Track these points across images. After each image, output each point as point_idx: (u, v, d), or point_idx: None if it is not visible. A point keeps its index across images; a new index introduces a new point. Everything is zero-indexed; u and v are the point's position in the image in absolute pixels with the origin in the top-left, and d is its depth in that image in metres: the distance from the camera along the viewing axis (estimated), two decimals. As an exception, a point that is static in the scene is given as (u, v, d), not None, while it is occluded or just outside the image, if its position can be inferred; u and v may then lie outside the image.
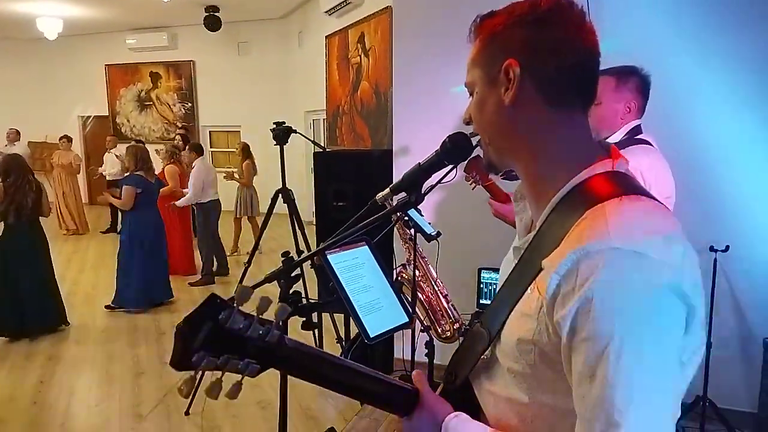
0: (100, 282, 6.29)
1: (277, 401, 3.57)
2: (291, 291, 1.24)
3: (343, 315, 3.83)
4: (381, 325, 1.42)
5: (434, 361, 2.86)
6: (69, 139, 9.15)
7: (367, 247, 1.53)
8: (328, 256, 1.41)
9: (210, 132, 11.50)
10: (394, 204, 1.08)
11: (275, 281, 1.25)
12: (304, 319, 1.53)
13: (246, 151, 7.29)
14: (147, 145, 6.07)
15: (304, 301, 1.67)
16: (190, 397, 3.42)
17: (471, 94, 0.88)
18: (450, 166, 1.02)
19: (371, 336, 1.38)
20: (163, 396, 3.65)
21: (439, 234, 2.31)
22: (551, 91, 0.79)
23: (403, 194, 1.01)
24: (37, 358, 4.27)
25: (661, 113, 2.22)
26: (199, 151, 6.29)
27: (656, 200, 0.77)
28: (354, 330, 3.90)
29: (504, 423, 0.85)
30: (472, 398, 0.93)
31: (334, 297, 1.36)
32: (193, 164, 6.10)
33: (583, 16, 0.79)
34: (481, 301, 3.28)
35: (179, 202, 5.90)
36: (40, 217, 4.67)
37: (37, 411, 3.52)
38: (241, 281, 3.54)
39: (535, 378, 0.78)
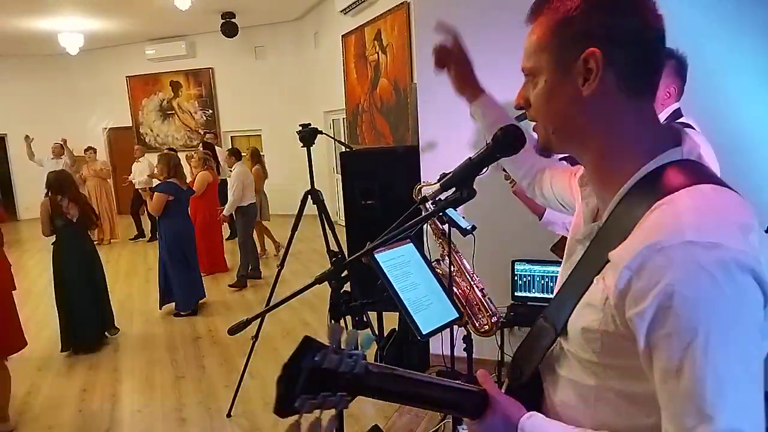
0: (134, 290, 6.42)
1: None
2: (342, 291, 1.25)
3: (376, 312, 3.85)
4: (432, 322, 1.42)
5: (473, 356, 2.85)
6: (93, 150, 9.37)
7: (411, 244, 1.53)
8: (376, 255, 1.41)
9: (231, 137, 11.61)
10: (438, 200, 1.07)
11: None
12: (356, 318, 1.53)
13: (255, 156, 7.34)
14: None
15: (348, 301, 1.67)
16: (232, 398, 3.49)
17: (530, 78, 0.85)
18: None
19: (424, 333, 1.38)
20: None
21: (474, 228, 2.30)
22: (629, 80, 0.77)
23: (453, 190, 1.00)
24: (79, 367, 4.37)
25: (694, 96, 2.18)
26: (237, 155, 6.38)
27: (730, 188, 0.75)
28: (387, 327, 3.92)
29: (568, 405, 0.85)
30: (538, 394, 0.93)
31: (384, 295, 1.36)
32: (233, 168, 6.19)
33: (655, 2, 0.77)
34: (516, 293, 3.27)
35: (225, 210, 6.02)
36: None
37: (83, 418, 3.60)
38: (274, 284, 3.56)
39: (600, 364, 0.79)
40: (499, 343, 3.15)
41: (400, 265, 1.44)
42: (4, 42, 10.42)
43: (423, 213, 2.26)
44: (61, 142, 9.30)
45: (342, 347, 0.76)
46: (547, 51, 0.80)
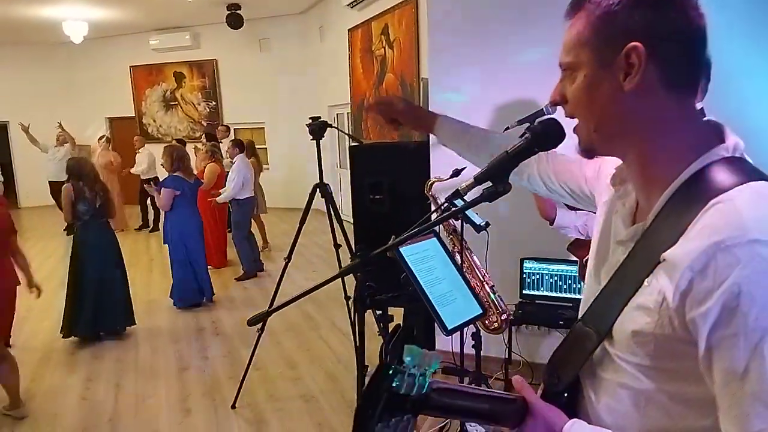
0: (136, 280, 6.39)
1: (321, 396, 3.62)
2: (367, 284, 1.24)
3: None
4: (457, 318, 1.41)
5: (481, 353, 2.86)
6: (108, 140, 9.31)
7: (435, 239, 1.52)
8: (401, 248, 1.40)
9: (234, 129, 11.56)
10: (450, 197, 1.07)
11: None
12: (380, 312, 1.53)
13: (250, 148, 7.29)
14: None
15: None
16: (237, 390, 3.49)
17: (567, 73, 0.84)
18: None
19: (449, 328, 1.37)
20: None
21: (488, 224, 2.29)
22: (672, 76, 0.76)
23: (488, 184, 0.99)
24: (82, 356, 4.36)
25: (710, 97, 2.17)
26: (240, 146, 6.33)
27: None
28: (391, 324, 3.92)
29: (615, 410, 0.83)
30: (576, 401, 0.91)
31: (409, 290, 1.36)
32: (234, 159, 6.15)
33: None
34: (524, 291, 3.26)
35: (219, 198, 5.96)
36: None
37: (87, 406, 3.60)
38: (281, 278, 3.55)
39: (652, 367, 0.77)
40: (507, 341, 3.15)
41: (425, 259, 1.43)
42: (8, 30, 10.37)
43: (433, 207, 2.26)
44: (59, 127, 9.30)
45: (412, 370, 0.76)
46: (588, 46, 0.79)
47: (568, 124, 0.97)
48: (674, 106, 0.77)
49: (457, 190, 1.09)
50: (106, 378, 3.98)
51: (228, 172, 6.31)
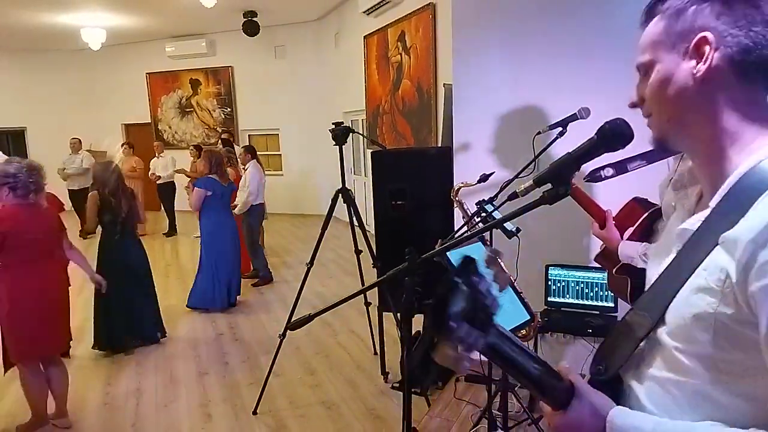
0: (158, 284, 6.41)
1: (341, 402, 3.60)
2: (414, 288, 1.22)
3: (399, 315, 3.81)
4: (506, 324, 1.38)
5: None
6: (130, 146, 9.38)
7: (480, 243, 1.50)
8: (447, 253, 1.38)
9: (249, 135, 11.64)
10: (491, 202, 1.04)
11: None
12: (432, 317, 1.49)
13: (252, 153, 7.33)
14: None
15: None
16: (258, 396, 3.47)
17: (645, 74, 0.87)
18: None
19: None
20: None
21: (519, 230, 2.26)
22: (741, 66, 0.78)
23: (548, 186, 0.97)
24: (102, 361, 4.36)
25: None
26: (253, 153, 6.36)
27: None
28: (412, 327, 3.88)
29: (664, 404, 0.82)
30: (620, 392, 0.91)
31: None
32: (246, 166, 6.17)
33: None
34: (549, 299, 3.22)
35: (238, 208, 5.98)
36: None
37: (108, 412, 3.60)
38: (303, 283, 3.54)
39: (709, 356, 0.76)
40: (532, 349, 3.11)
41: (471, 263, 1.41)
42: (26, 37, 10.51)
43: (458, 212, 2.23)
44: (78, 138, 9.42)
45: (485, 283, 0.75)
46: (662, 43, 0.84)
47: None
48: (744, 96, 0.80)
49: (515, 192, 1.08)
50: (126, 383, 3.98)
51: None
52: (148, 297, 4.62)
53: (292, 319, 1.40)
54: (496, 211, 2.44)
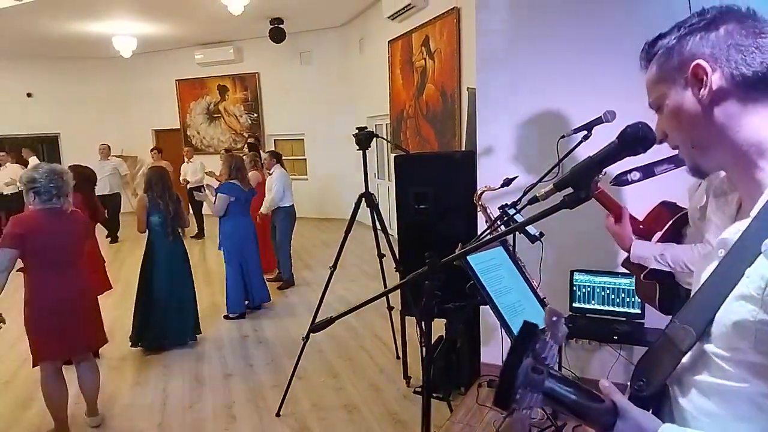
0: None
1: (363, 406, 3.60)
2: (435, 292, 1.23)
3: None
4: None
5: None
6: (159, 150, 9.62)
7: (501, 247, 1.49)
8: (468, 258, 1.38)
9: (275, 141, 11.77)
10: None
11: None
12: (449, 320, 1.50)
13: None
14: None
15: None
16: (282, 398, 3.50)
17: (658, 111, 0.91)
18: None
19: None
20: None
21: (542, 234, 2.24)
22: (745, 80, 0.81)
23: (569, 190, 0.96)
24: (129, 361, 4.45)
25: None
26: (278, 157, 6.45)
27: None
28: (434, 333, 3.88)
29: (710, 413, 0.81)
30: (663, 406, 0.89)
31: (477, 299, 1.33)
32: (272, 170, 6.25)
33: (753, 11, 0.83)
34: (574, 305, 3.18)
35: (263, 207, 6.06)
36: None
37: (135, 412, 3.66)
38: (326, 286, 3.57)
39: (754, 364, 0.75)
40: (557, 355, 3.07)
41: (492, 268, 1.40)
42: (60, 45, 10.83)
43: (481, 216, 2.22)
44: (107, 144, 9.64)
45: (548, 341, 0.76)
46: (662, 80, 0.89)
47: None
48: (757, 110, 0.82)
49: (535, 196, 1.07)
50: (154, 384, 4.06)
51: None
52: (191, 298, 4.75)
53: (315, 322, 1.41)
54: (519, 215, 2.43)
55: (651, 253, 1.94)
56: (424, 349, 1.29)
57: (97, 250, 4.44)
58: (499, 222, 2.19)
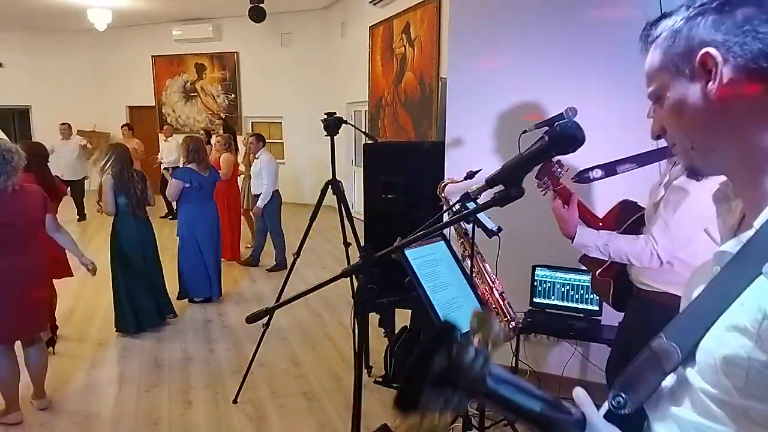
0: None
1: (323, 394, 3.58)
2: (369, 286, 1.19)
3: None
4: (462, 325, 1.35)
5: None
6: (130, 128, 9.44)
7: (443, 242, 1.46)
8: (406, 251, 1.34)
9: (252, 123, 11.61)
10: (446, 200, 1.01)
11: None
12: (379, 316, 1.47)
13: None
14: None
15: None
16: (239, 385, 3.46)
17: (657, 103, 0.81)
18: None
19: (452, 336, 1.31)
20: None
21: (500, 229, 2.22)
22: (761, 73, 0.70)
23: (500, 187, 0.93)
24: (87, 344, 4.37)
25: None
26: (263, 140, 6.34)
27: None
28: (398, 325, 3.87)
29: None
30: (639, 428, 0.81)
31: (412, 294, 1.30)
32: (258, 154, 6.14)
33: None
34: (534, 300, 3.19)
35: (261, 200, 5.96)
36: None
37: (90, 393, 3.60)
38: (288, 274, 3.52)
39: (740, 404, 0.67)
40: (514, 350, 3.07)
41: (431, 263, 1.37)
42: (33, 15, 10.49)
43: (445, 209, 2.19)
44: (68, 123, 9.40)
45: (478, 343, 0.70)
46: (665, 69, 0.78)
47: (588, 128, 0.92)
48: None
49: (467, 192, 1.04)
50: (110, 367, 3.99)
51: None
52: (160, 278, 4.70)
53: (252, 313, 1.36)
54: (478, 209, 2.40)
55: (593, 241, 1.94)
56: (358, 341, 1.26)
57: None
58: (455, 215, 2.16)
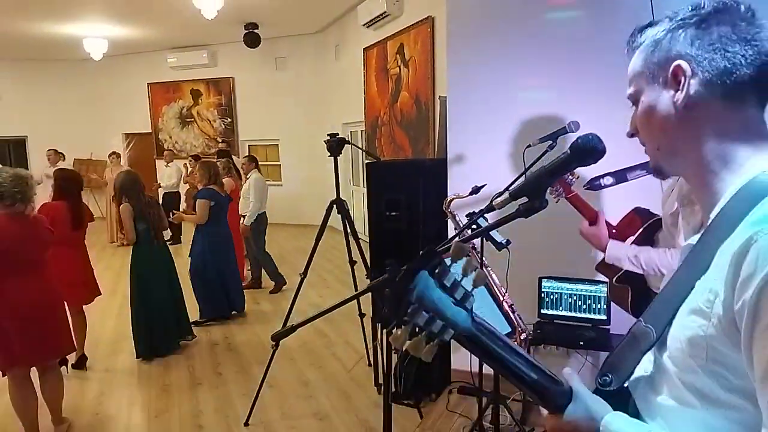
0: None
1: (334, 414, 3.58)
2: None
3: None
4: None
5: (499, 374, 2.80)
6: (117, 155, 9.54)
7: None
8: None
9: (249, 146, 11.68)
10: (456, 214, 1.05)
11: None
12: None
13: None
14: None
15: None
16: (250, 407, 3.45)
17: (635, 105, 0.89)
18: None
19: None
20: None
21: (509, 242, 2.26)
22: (723, 89, 0.78)
23: (524, 199, 0.98)
24: (95, 371, 4.35)
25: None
26: (256, 162, 6.42)
27: None
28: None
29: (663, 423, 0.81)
30: (626, 404, 0.88)
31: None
32: (249, 175, 6.20)
33: (752, 12, 0.78)
34: (542, 311, 3.22)
35: (247, 218, 6.00)
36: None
37: (100, 421, 3.58)
38: (296, 293, 3.54)
39: (705, 383, 0.74)
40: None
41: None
42: (29, 46, 10.59)
43: (451, 224, 2.24)
44: (54, 150, 9.44)
45: (458, 276, 0.75)
46: (643, 75, 0.86)
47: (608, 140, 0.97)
48: (733, 117, 0.79)
49: (491, 204, 1.08)
50: (119, 393, 3.97)
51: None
52: (181, 300, 4.76)
53: (278, 331, 1.39)
54: (486, 223, 2.45)
55: (625, 254, 1.98)
56: (395, 355, 1.28)
57: (80, 258, 4.30)
58: (468, 230, 2.21)
